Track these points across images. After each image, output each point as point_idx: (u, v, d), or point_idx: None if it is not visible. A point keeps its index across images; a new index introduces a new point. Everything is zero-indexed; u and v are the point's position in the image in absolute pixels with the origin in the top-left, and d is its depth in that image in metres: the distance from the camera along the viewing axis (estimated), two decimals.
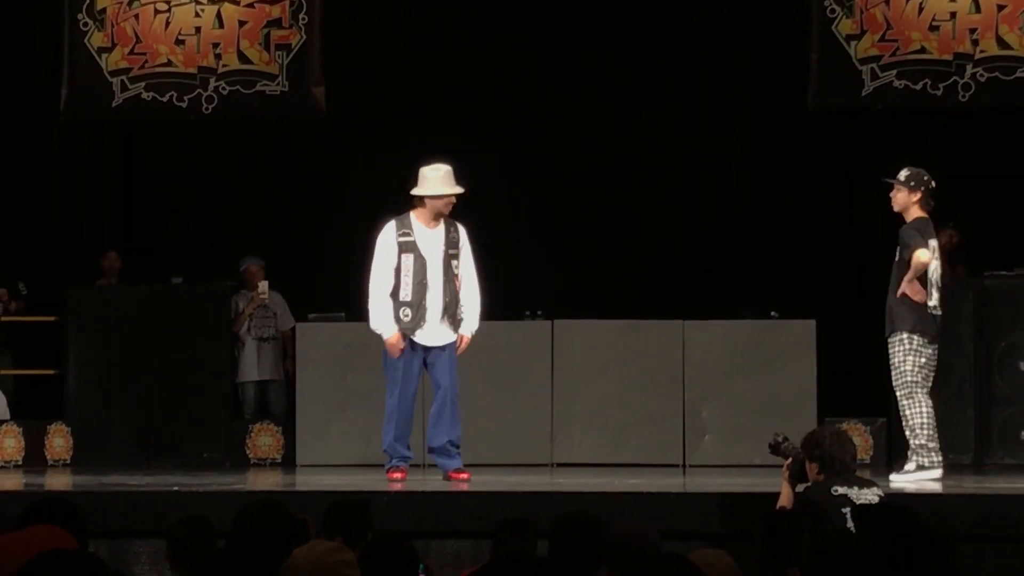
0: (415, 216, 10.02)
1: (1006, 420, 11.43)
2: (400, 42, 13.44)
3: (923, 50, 12.21)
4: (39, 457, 11.84)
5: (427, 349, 9.99)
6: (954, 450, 11.09)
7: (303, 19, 12.78)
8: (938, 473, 9.57)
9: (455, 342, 10.03)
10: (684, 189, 13.41)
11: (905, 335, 9.60)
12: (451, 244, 10.03)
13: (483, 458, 10.86)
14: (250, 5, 12.83)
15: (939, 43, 12.20)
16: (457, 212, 10.13)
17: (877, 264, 11.00)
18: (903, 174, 9.79)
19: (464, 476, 9.89)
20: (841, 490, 7.03)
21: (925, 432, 9.57)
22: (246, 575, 4.41)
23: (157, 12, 12.85)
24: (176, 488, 9.33)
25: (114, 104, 12.85)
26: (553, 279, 12.89)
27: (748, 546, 5.80)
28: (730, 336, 11.79)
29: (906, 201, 9.74)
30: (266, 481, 11.07)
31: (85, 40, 12.85)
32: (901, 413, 9.67)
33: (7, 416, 12.04)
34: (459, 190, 9.98)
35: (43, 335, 12.59)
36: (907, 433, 9.67)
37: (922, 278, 9.58)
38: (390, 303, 9.94)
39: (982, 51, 12.15)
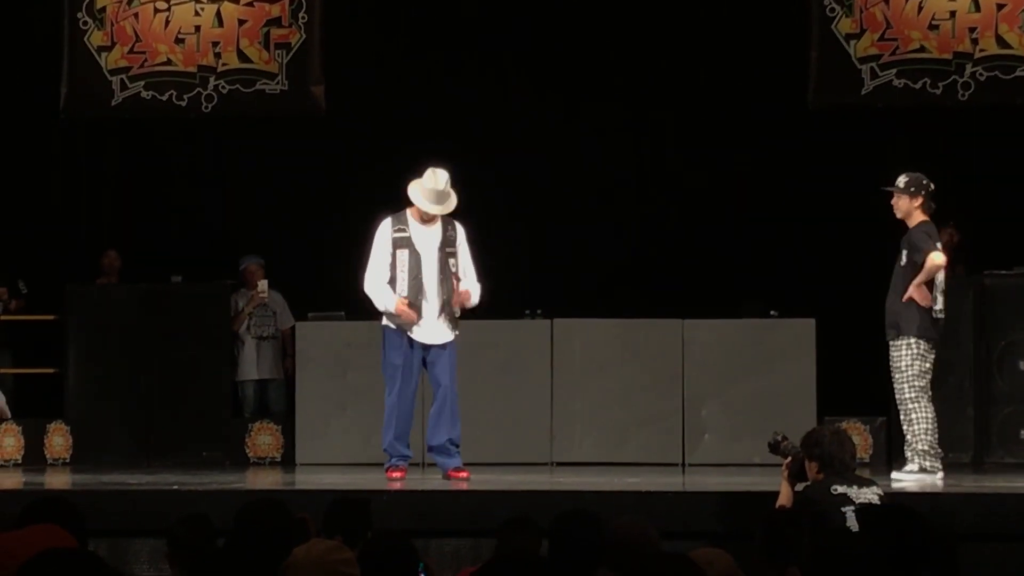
0: (411, 213, 10.02)
1: (1006, 419, 11.43)
2: (400, 41, 13.44)
3: (923, 49, 12.21)
4: (39, 456, 11.84)
5: (426, 348, 9.99)
6: (954, 449, 11.09)
7: (303, 18, 12.77)
8: (939, 477, 9.56)
9: (454, 341, 10.03)
10: (684, 188, 13.40)
11: (913, 339, 9.59)
12: (448, 243, 10.02)
13: (483, 457, 10.86)
14: (249, 4, 12.83)
15: (939, 42, 12.20)
16: (457, 212, 10.12)
17: (876, 263, 11.00)
18: (902, 180, 9.77)
19: (464, 475, 9.89)
20: (841, 489, 7.02)
21: (927, 439, 9.57)
22: (246, 574, 4.41)
23: (157, 11, 12.85)
24: (176, 487, 9.33)
25: (114, 103, 12.85)
26: (553, 278, 12.89)
27: (748, 545, 5.80)
28: (729, 335, 11.79)
29: (908, 207, 9.74)
30: (266, 480, 11.07)
31: (85, 39, 12.86)
32: (906, 416, 9.64)
33: (9, 415, 12.03)
34: (438, 211, 9.92)
35: (43, 334, 12.60)
36: (908, 436, 9.65)
37: (928, 282, 9.58)
38: (388, 286, 9.94)
39: (982, 50, 12.14)
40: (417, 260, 9.94)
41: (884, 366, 9.94)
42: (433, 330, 9.98)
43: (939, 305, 9.64)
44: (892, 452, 11.25)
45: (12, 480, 10.55)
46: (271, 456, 12.14)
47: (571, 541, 5.37)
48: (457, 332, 10.04)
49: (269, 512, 5.44)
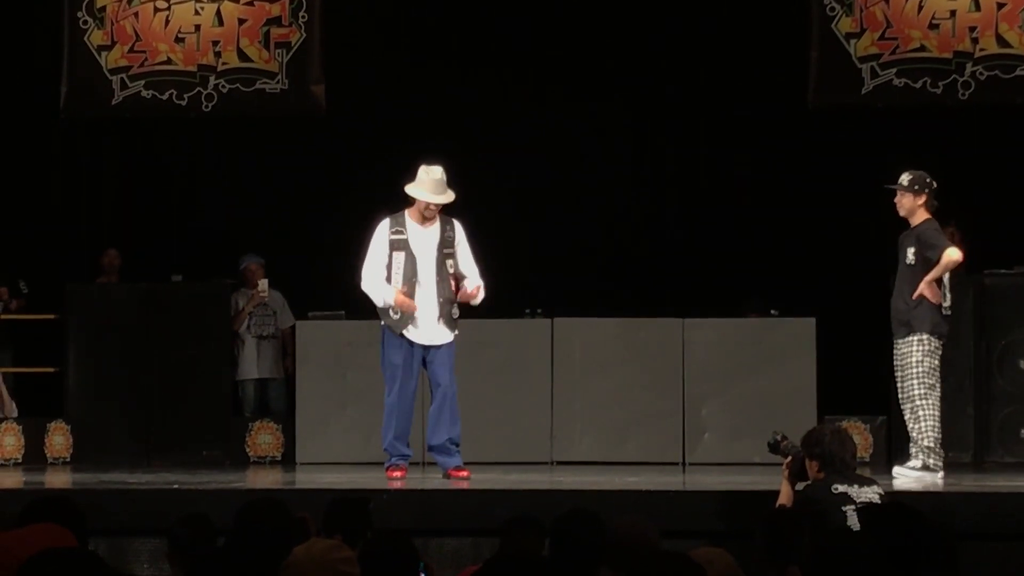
0: (409, 214, 10.02)
1: (1006, 418, 11.43)
2: (400, 41, 13.44)
3: (923, 48, 12.21)
4: (39, 455, 11.84)
5: (425, 348, 9.99)
6: (954, 448, 11.09)
7: (303, 17, 12.78)
8: (940, 476, 9.56)
9: (453, 341, 10.02)
10: (684, 188, 13.41)
11: (925, 336, 9.58)
12: (446, 243, 10.01)
13: (483, 456, 10.86)
14: (250, 3, 12.83)
15: (939, 41, 12.20)
16: (457, 211, 10.13)
17: (877, 263, 11.02)
18: (906, 178, 9.76)
19: (464, 474, 9.88)
20: (841, 488, 7.03)
21: (933, 435, 9.56)
22: (246, 573, 4.41)
23: (157, 10, 12.85)
24: (176, 486, 9.32)
25: (114, 102, 12.85)
26: (553, 278, 12.88)
27: (748, 544, 5.80)
28: (730, 334, 11.79)
29: (912, 205, 9.73)
30: (266, 479, 11.07)
31: (85, 38, 12.86)
32: (913, 413, 9.60)
33: (15, 413, 12.03)
34: (443, 200, 9.94)
35: (43, 333, 12.59)
36: (914, 432, 9.61)
37: (937, 279, 9.58)
38: (384, 281, 9.93)
39: (982, 49, 12.14)
40: (413, 263, 9.93)
41: (884, 365, 9.93)
42: (431, 331, 9.97)
43: (948, 302, 9.64)
44: (892, 451, 11.25)
45: (12, 479, 10.55)
46: (271, 455, 12.14)
47: (572, 540, 5.37)
48: (456, 332, 10.03)
49: (269, 511, 5.44)
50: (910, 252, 9.70)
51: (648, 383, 11.70)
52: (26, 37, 13.48)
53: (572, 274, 13.02)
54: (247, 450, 12.12)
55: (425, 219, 9.98)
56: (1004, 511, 8.43)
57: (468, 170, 10.61)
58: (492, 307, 10.67)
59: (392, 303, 9.90)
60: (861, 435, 11.45)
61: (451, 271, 10.00)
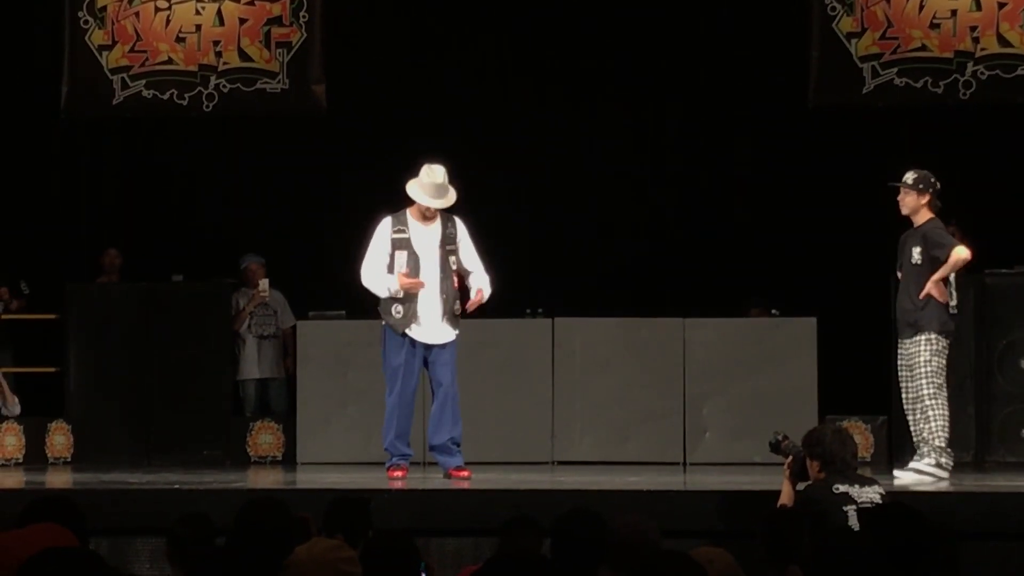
0: (411, 213, 10.02)
1: (1007, 418, 11.43)
2: (401, 40, 13.44)
3: (924, 48, 12.21)
4: (40, 455, 11.84)
5: (427, 347, 9.98)
6: (955, 448, 11.01)
7: (304, 17, 12.77)
8: (947, 475, 9.54)
9: (455, 340, 10.02)
10: (685, 187, 13.40)
11: (934, 335, 9.56)
12: (448, 240, 10.01)
13: (484, 456, 10.86)
14: (250, 3, 12.83)
15: (940, 41, 12.20)
16: (458, 211, 10.13)
17: (877, 262, 11.01)
18: (910, 177, 9.75)
19: (465, 474, 9.88)
20: (842, 488, 7.02)
21: (944, 435, 9.54)
22: (247, 573, 4.40)
23: (158, 10, 12.85)
24: (177, 486, 9.32)
25: (115, 102, 12.86)
26: (554, 278, 12.89)
27: (749, 544, 5.80)
28: (731, 334, 11.79)
29: (915, 204, 9.72)
30: (267, 479, 11.07)
31: (86, 38, 12.86)
32: (923, 413, 9.55)
33: (17, 412, 12.02)
34: (440, 204, 9.92)
35: (44, 333, 12.60)
36: (925, 432, 9.56)
37: (944, 278, 9.56)
38: (385, 272, 9.93)
39: (983, 49, 12.14)
40: (415, 262, 9.93)
41: (885, 365, 9.91)
42: (434, 330, 9.96)
43: (954, 301, 9.63)
44: (893, 451, 11.25)
45: (13, 479, 10.55)
46: (272, 455, 12.14)
47: (573, 540, 5.37)
48: (458, 331, 10.03)
49: (270, 511, 5.43)
50: (916, 252, 9.67)
51: (649, 383, 11.70)
52: (27, 37, 13.48)
53: (573, 274, 13.01)
54: (248, 450, 12.12)
55: (426, 218, 9.98)
56: (1005, 511, 8.43)
57: (468, 170, 10.60)
58: (493, 307, 10.66)
59: (397, 288, 9.87)
60: (862, 435, 11.45)
61: (454, 268, 10.00)
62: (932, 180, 9.73)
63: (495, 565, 4.22)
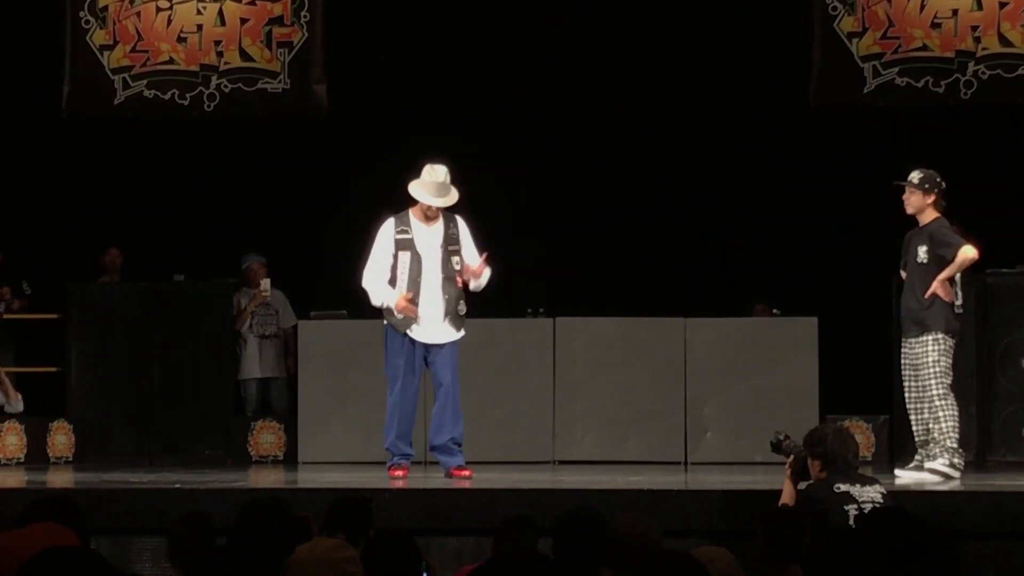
0: (413, 213, 10.02)
1: (1008, 417, 11.42)
2: (402, 40, 13.44)
3: (925, 47, 12.21)
4: (41, 454, 11.84)
5: (428, 347, 9.99)
6: None
7: (305, 17, 12.78)
8: (959, 475, 9.51)
9: (456, 340, 10.02)
10: (685, 187, 13.40)
11: (941, 335, 9.54)
12: (450, 240, 10.01)
13: (485, 455, 10.86)
14: (252, 3, 12.83)
15: (941, 40, 12.20)
16: (458, 210, 10.13)
17: (879, 262, 11.01)
18: (916, 176, 9.73)
19: (466, 473, 9.88)
20: (843, 487, 7.02)
21: (955, 436, 9.51)
22: (247, 573, 4.40)
23: (159, 10, 12.86)
24: (178, 485, 9.32)
25: (116, 102, 12.86)
26: (555, 277, 12.89)
27: (750, 543, 5.80)
28: (732, 333, 11.79)
29: (920, 203, 9.70)
30: (268, 478, 11.07)
31: (87, 38, 12.86)
32: (932, 413, 9.52)
33: (20, 408, 12.03)
34: (442, 203, 9.92)
35: (45, 333, 12.60)
36: (935, 433, 9.52)
37: (950, 278, 9.55)
38: (386, 284, 9.93)
39: (984, 48, 12.14)
40: (418, 263, 9.93)
41: (887, 364, 9.91)
42: (435, 330, 9.97)
43: (960, 300, 9.61)
44: (894, 450, 11.24)
45: (15, 479, 10.55)
46: (273, 455, 12.14)
47: (573, 540, 5.37)
48: (462, 332, 10.02)
49: (271, 511, 5.44)
50: (922, 251, 9.64)
51: (650, 382, 11.70)
52: (28, 37, 13.47)
53: (574, 274, 13.02)
54: (249, 449, 12.12)
55: (428, 218, 9.98)
56: (1006, 510, 8.42)
57: (468, 170, 10.60)
58: (494, 306, 10.66)
59: (393, 307, 9.89)
60: (863, 434, 11.45)
61: (457, 267, 10.00)
62: (938, 180, 9.72)
63: (495, 565, 4.21)
